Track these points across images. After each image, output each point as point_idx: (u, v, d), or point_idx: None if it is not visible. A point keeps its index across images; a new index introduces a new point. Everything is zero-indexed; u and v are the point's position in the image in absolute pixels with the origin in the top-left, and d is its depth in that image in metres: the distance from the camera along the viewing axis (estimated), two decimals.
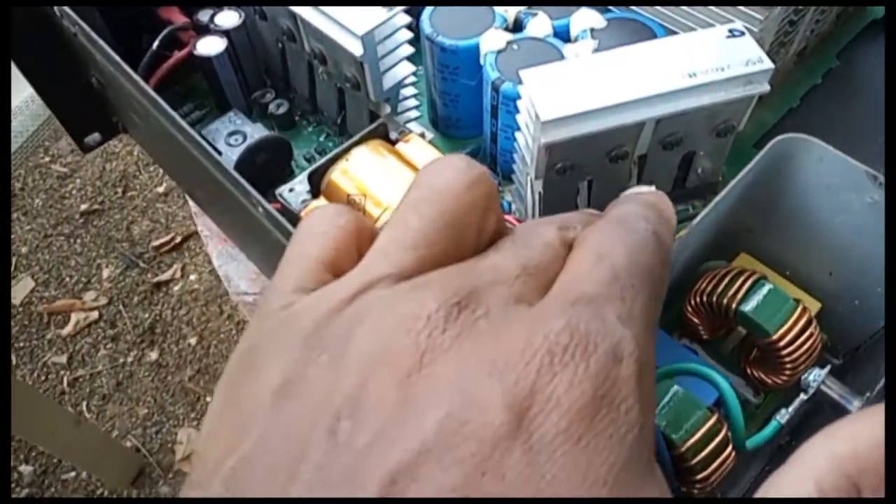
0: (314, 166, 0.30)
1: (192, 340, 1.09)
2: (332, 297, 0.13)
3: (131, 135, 0.40)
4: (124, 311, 1.12)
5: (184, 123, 0.28)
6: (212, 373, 1.06)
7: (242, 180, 0.27)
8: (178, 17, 0.37)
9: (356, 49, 0.29)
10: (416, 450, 0.11)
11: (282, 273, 0.15)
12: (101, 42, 0.31)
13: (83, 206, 1.24)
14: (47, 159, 1.30)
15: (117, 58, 0.30)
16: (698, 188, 0.33)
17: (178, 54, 0.35)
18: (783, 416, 0.22)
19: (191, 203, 0.40)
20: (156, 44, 0.34)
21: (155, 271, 1.15)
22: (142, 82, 0.29)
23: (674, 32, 0.33)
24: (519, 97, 0.30)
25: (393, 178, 0.29)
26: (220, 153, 0.33)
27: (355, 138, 0.30)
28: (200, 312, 1.12)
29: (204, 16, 0.37)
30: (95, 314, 1.11)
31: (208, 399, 1.04)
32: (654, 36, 0.32)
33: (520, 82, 0.28)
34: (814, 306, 0.29)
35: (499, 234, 0.15)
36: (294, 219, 0.30)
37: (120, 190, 1.25)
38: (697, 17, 0.31)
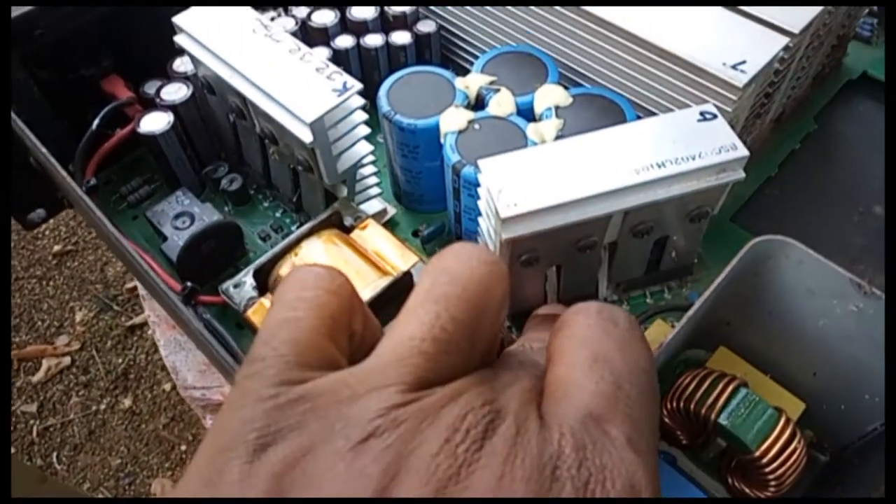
0: (260, 262, 0.28)
1: (167, 386, 1.06)
2: (367, 408, 0.12)
3: (76, 212, 0.38)
4: (97, 356, 1.08)
5: (111, 229, 0.26)
6: (186, 420, 1.02)
7: (173, 296, 0.25)
8: (123, 91, 0.35)
9: (306, 136, 0.27)
10: None
11: (275, 336, 0.14)
12: (29, 132, 0.29)
13: (56, 248, 1.21)
14: None
15: (45, 151, 0.28)
16: (674, 270, 0.32)
17: (121, 132, 0.33)
18: None
19: (139, 285, 0.38)
20: (95, 123, 0.32)
21: (129, 314, 1.12)
22: (69, 180, 0.27)
23: (645, 109, 0.31)
24: (479, 184, 0.28)
25: (347, 274, 0.27)
26: (165, 238, 0.31)
27: (305, 228, 0.28)
28: None
29: (150, 88, 0.35)
30: (68, 360, 1.08)
31: (183, 447, 1.01)
32: (621, 114, 0.30)
33: (479, 171, 0.26)
34: (798, 407, 0.27)
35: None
36: (239, 317, 0.28)
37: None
38: (668, 94, 0.30)
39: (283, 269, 0.28)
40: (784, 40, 0.28)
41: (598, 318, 0.15)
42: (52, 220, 1.24)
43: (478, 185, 0.29)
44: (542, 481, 0.12)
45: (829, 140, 0.39)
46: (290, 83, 0.28)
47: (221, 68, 0.30)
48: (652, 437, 0.13)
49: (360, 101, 0.29)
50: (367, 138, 0.31)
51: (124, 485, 0.98)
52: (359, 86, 0.28)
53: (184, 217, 0.32)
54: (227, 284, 0.28)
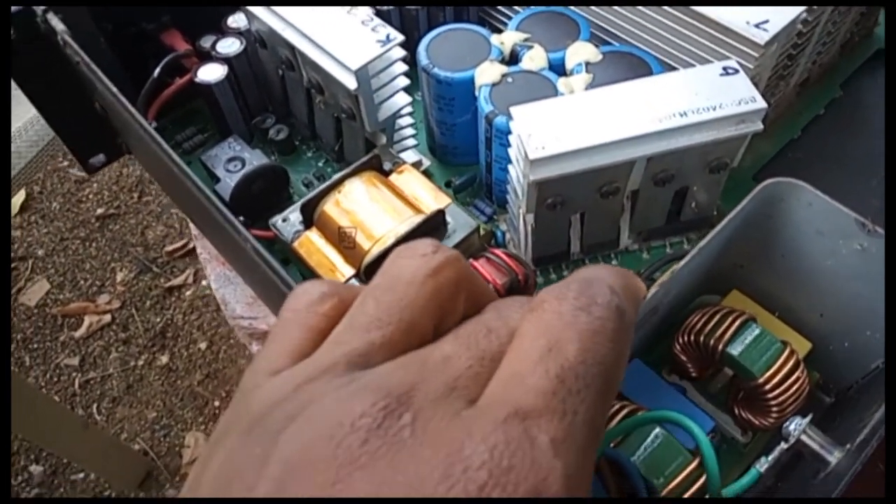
0: (307, 197, 0.30)
1: (203, 345, 1.10)
2: (283, 386, 0.13)
3: (135, 156, 0.40)
4: (136, 314, 1.13)
5: (177, 158, 0.29)
6: (220, 378, 1.07)
7: (231, 217, 0.28)
8: (181, 44, 0.37)
9: (350, 83, 0.30)
10: None
11: (262, 352, 0.15)
12: (101, 73, 0.31)
13: (99, 211, 1.25)
14: (65, 164, 1.32)
15: (115, 90, 0.31)
16: (693, 221, 0.33)
17: (179, 81, 0.35)
18: (762, 464, 0.22)
19: (191, 225, 0.41)
20: (157, 71, 0.35)
21: (168, 276, 1.17)
22: (138, 115, 0.30)
23: (671, 67, 0.33)
24: (511, 131, 0.30)
25: (385, 210, 0.30)
26: (218, 179, 0.34)
27: (348, 170, 0.31)
28: (211, 318, 1.13)
29: (206, 42, 0.38)
30: (108, 317, 1.13)
31: (216, 403, 1.05)
32: (650, 71, 0.32)
33: (511, 118, 0.28)
34: (804, 346, 0.28)
35: (477, 309, 0.15)
36: (287, 248, 0.31)
37: (136, 195, 1.27)
38: (694, 51, 0.31)
39: (328, 205, 0.30)
40: (801, 8, 0.30)
41: (571, 305, 0.14)
42: (95, 185, 1.29)
43: (509, 132, 0.30)
44: (433, 478, 0.11)
45: (853, 108, 0.40)
46: (338, 34, 0.30)
47: (275, 21, 0.32)
48: (587, 437, 0.13)
49: (402, 52, 0.31)
50: (406, 90, 0.33)
51: (160, 436, 1.03)
52: (401, 38, 0.30)
53: (235, 161, 0.35)
54: (276, 218, 0.30)
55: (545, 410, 0.12)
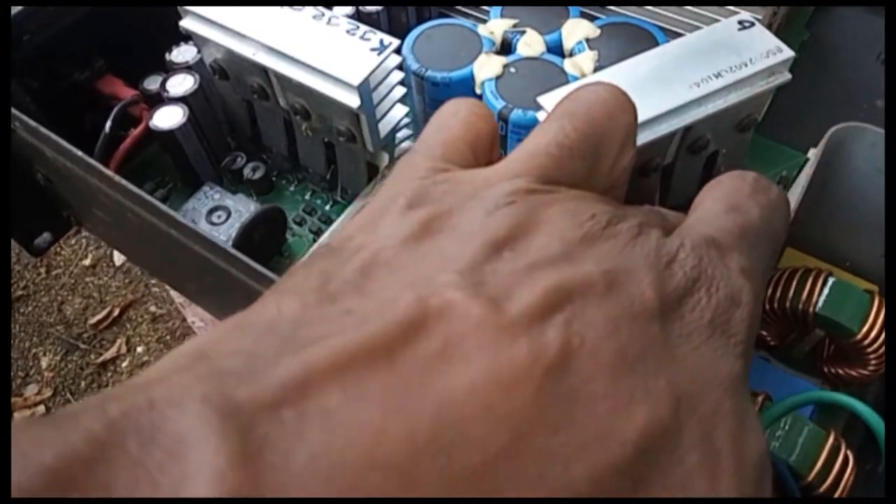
0: (316, 245, 0.26)
1: None
2: (500, 188, 0.14)
3: (88, 228, 0.35)
4: (73, 399, 1.03)
5: (171, 212, 0.25)
6: None
7: (253, 263, 0.24)
8: (125, 91, 0.32)
9: (352, 101, 0.26)
10: (580, 280, 0.12)
11: (429, 138, 0.16)
12: (49, 133, 0.27)
13: None
14: None
15: (72, 148, 0.26)
16: None
17: (134, 133, 0.31)
18: None
19: (174, 294, 0.36)
20: (108, 125, 0.30)
21: (98, 351, 1.07)
22: (109, 172, 0.26)
23: (674, 33, 0.31)
24: (532, 123, 0.28)
25: None
26: None
27: (356, 206, 0.27)
28: None
29: (152, 84, 0.33)
30: (42, 408, 1.02)
31: None
32: (652, 39, 0.30)
33: (538, 108, 0.26)
34: (872, 289, 0.28)
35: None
36: None
37: (43, 270, 1.15)
38: (696, 12, 0.30)
39: None
40: None
41: (751, 184, 0.16)
42: None
43: (529, 127, 0.28)
44: (657, 264, 0.13)
45: (823, 46, 0.40)
46: (325, 49, 0.27)
47: (242, 46, 0.28)
48: (762, 282, 0.15)
49: (398, 59, 0.28)
50: (402, 100, 0.30)
51: None
52: (396, 42, 0.27)
53: (219, 212, 0.31)
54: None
55: (734, 246, 0.14)
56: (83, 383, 1.04)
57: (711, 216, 0.15)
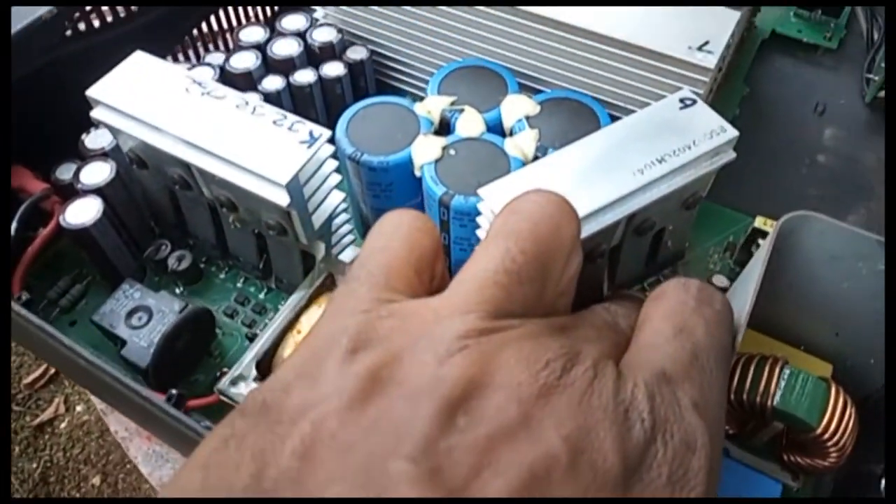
0: (260, 350, 0.24)
1: (96, 480, 0.96)
2: (451, 328, 0.13)
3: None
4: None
5: (97, 360, 0.22)
6: None
7: (158, 401, 0.22)
8: (34, 184, 0.30)
9: (281, 199, 0.24)
10: (542, 458, 0.12)
11: (369, 261, 0.15)
12: None
13: None
14: None
15: None
16: (668, 258, 0.32)
17: (44, 232, 0.28)
18: None
19: (95, 400, 0.33)
20: (14, 226, 0.27)
21: (34, 412, 1.01)
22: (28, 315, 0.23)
23: (613, 105, 0.30)
24: (474, 212, 0.26)
25: None
26: (123, 342, 0.27)
27: (300, 301, 0.25)
28: (97, 446, 0.99)
29: (64, 174, 0.30)
30: None
31: None
32: (593, 114, 0.29)
33: (480, 200, 0.25)
34: (826, 369, 0.27)
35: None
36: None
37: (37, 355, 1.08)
38: (636, 86, 0.29)
39: (287, 350, 0.25)
40: (736, 14, 0.29)
41: (695, 296, 0.16)
42: None
43: (472, 214, 0.27)
44: (616, 418, 0.13)
45: (761, 101, 0.40)
46: (249, 142, 0.25)
47: (159, 138, 0.26)
48: (719, 410, 0.15)
49: (331, 148, 0.26)
50: (338, 186, 0.28)
51: None
52: (327, 133, 0.25)
53: (139, 313, 0.28)
54: (224, 383, 0.24)
55: (685, 376, 0.14)
56: (17, 448, 0.98)
57: (661, 341, 0.15)
